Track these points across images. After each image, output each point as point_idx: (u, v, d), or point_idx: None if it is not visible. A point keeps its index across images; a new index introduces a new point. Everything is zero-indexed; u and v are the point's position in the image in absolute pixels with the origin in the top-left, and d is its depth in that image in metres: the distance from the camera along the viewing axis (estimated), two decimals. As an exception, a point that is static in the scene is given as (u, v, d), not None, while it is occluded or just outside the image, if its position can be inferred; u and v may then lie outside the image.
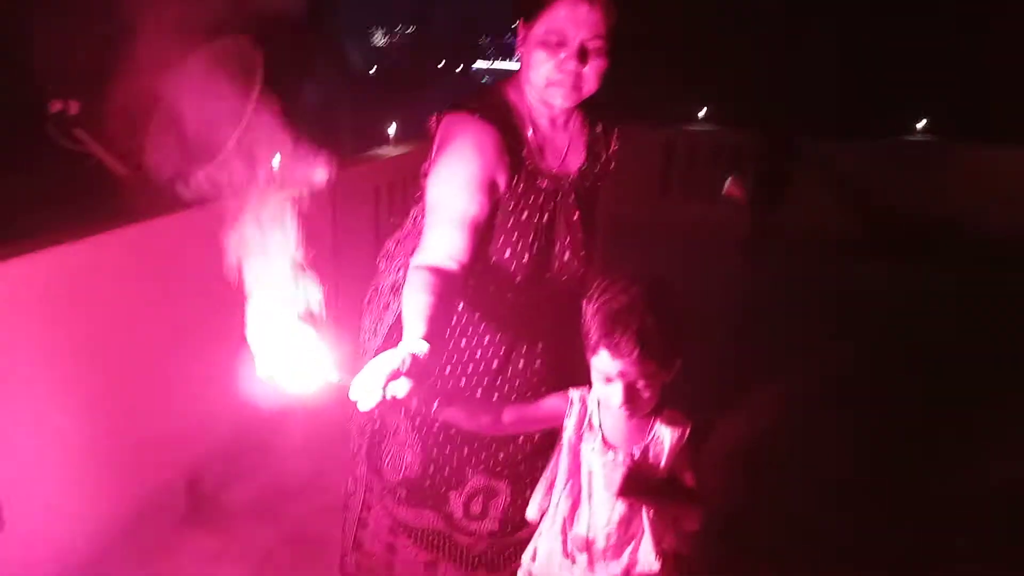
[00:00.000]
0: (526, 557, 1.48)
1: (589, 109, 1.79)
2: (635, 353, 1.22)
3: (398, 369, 1.21)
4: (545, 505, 1.46)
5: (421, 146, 1.70)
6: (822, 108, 6.57)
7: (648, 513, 1.33)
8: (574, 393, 1.40)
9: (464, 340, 1.81)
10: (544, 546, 1.45)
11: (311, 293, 1.19)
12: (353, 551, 2.14)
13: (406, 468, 1.96)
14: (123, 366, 2.40)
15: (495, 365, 1.82)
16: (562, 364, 1.78)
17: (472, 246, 1.58)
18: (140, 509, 2.46)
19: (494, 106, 1.68)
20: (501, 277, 1.73)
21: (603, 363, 1.26)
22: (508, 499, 1.97)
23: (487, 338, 1.80)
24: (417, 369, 1.23)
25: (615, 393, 1.27)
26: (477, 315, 1.79)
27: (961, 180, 6.54)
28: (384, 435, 1.99)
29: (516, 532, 1.98)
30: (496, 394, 1.77)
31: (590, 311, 1.29)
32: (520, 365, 1.83)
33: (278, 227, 1.21)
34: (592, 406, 1.37)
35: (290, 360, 1.16)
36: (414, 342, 1.29)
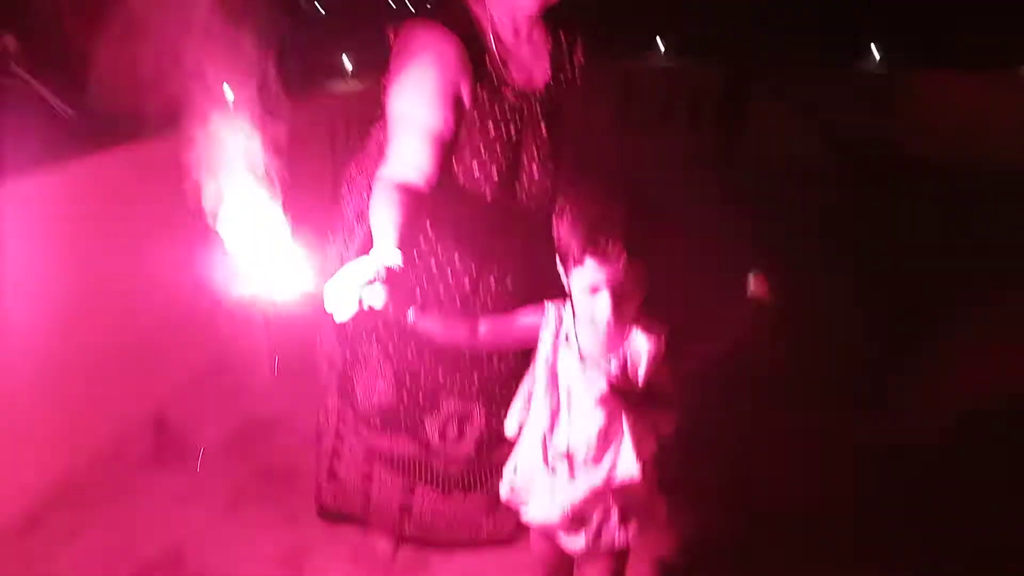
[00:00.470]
0: (507, 470, 1.48)
1: (552, 23, 1.74)
2: (623, 258, 1.20)
3: (372, 277, 1.19)
4: (523, 419, 1.45)
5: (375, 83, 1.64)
6: (779, 38, 6.53)
7: (628, 421, 1.33)
8: (550, 306, 1.38)
9: (434, 260, 1.78)
10: (524, 459, 1.44)
11: (277, 206, 1.15)
12: (328, 482, 2.14)
13: (379, 396, 1.97)
14: (83, 301, 2.33)
15: (466, 285, 1.80)
16: (532, 284, 1.77)
17: (438, 161, 1.55)
18: (105, 448, 2.42)
19: (455, 16, 1.63)
20: (471, 196, 1.70)
21: (589, 274, 1.24)
22: (483, 422, 1.98)
23: (456, 258, 1.78)
24: (392, 277, 1.21)
25: (602, 303, 1.25)
26: (447, 236, 1.76)
27: (916, 107, 6.61)
28: (355, 364, 1.98)
29: (491, 454, 1.99)
30: (467, 313, 1.75)
31: (566, 223, 1.26)
32: (491, 284, 1.81)
33: (240, 146, 1.16)
34: (568, 318, 1.36)
35: (265, 268, 1.13)
36: (386, 251, 1.26)
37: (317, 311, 1.15)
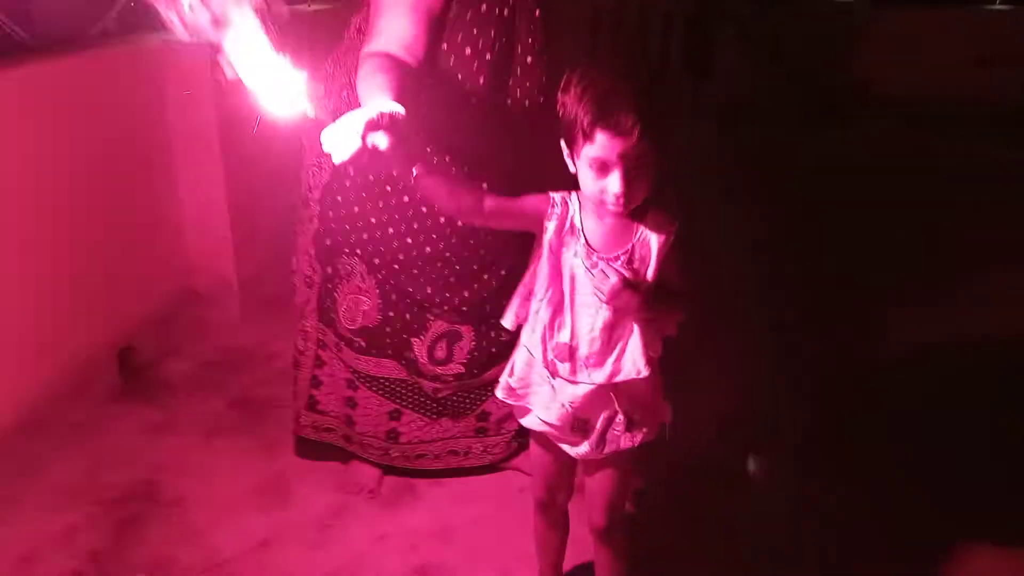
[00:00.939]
0: (504, 373, 1.41)
1: None
2: (637, 128, 1.13)
3: (376, 120, 1.09)
4: (523, 314, 1.38)
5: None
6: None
7: (636, 316, 1.27)
8: (555, 195, 1.30)
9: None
10: (522, 357, 1.37)
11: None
12: (307, 411, 2.05)
13: (363, 316, 1.89)
14: (41, 227, 2.19)
15: None
16: (527, 187, 1.68)
17: (426, 37, 1.45)
18: (69, 381, 2.29)
19: None
20: (462, 86, 1.60)
21: (600, 149, 1.17)
22: (473, 342, 1.91)
23: (448, 160, 1.68)
24: (394, 125, 1.12)
25: (614, 181, 1.18)
26: (438, 133, 1.65)
27: (881, 43, 6.63)
28: (336, 280, 1.88)
29: (482, 374, 1.93)
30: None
31: (572, 98, 1.19)
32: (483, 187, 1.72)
33: None
34: (574, 207, 1.29)
35: (266, 82, 1.04)
36: (387, 103, 1.16)
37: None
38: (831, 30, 6.77)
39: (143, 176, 2.60)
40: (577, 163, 1.23)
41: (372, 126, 1.09)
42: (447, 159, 1.67)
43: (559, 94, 1.23)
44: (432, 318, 1.88)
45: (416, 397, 1.97)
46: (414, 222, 1.75)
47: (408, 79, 1.35)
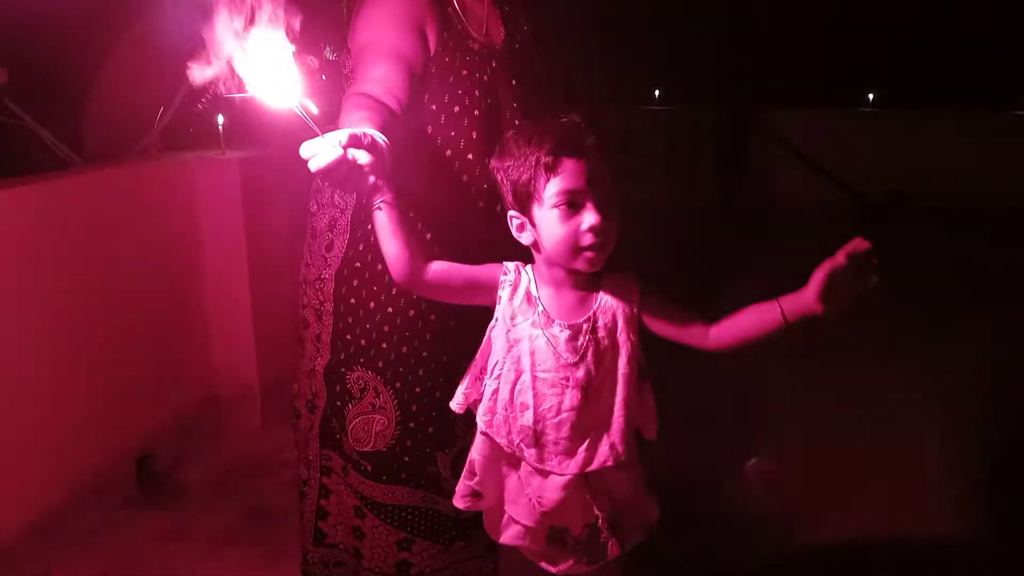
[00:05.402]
0: (464, 474, 1.33)
1: None
2: (599, 146, 1.14)
3: (359, 137, 1.10)
4: (474, 395, 1.29)
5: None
6: (776, 81, 6.61)
7: (618, 393, 1.20)
8: (509, 264, 1.26)
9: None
10: (481, 449, 1.29)
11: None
12: (315, 547, 1.90)
13: (375, 439, 1.72)
14: (70, 336, 2.27)
15: (427, 237, 1.62)
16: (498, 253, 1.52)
17: (406, 83, 1.45)
18: (87, 486, 2.31)
19: None
20: (456, 138, 1.59)
21: (568, 178, 1.14)
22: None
23: (426, 212, 1.61)
24: (376, 148, 1.12)
25: (589, 214, 1.14)
26: (419, 187, 1.59)
27: (908, 147, 6.65)
28: (345, 401, 1.74)
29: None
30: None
31: (519, 148, 1.18)
32: (456, 243, 1.59)
33: None
34: (528, 276, 1.25)
35: (262, 71, 1.03)
36: (371, 129, 1.17)
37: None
38: (867, 133, 6.82)
39: (170, 283, 2.70)
40: (539, 215, 1.18)
41: (355, 141, 1.09)
42: (440, 219, 1.62)
43: (493, 162, 1.23)
44: (460, 432, 1.72)
45: (429, 524, 1.80)
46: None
47: (390, 119, 1.34)
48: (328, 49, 3.47)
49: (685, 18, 7.05)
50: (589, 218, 1.14)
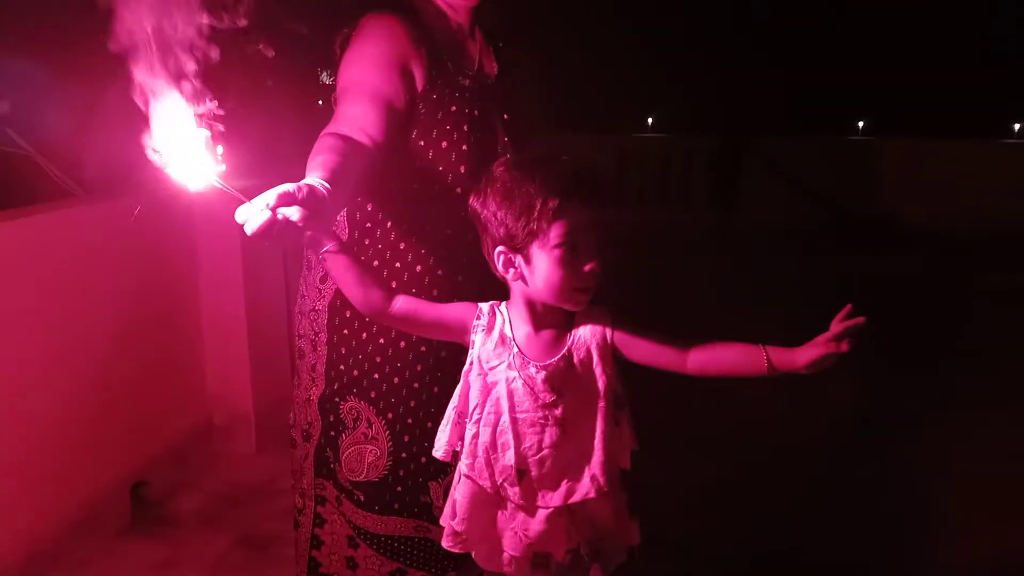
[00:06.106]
0: (444, 515, 1.34)
1: (486, 27, 1.73)
2: (602, 195, 1.16)
3: (292, 194, 1.11)
4: (455, 440, 1.30)
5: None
6: (767, 109, 6.70)
7: (597, 427, 1.22)
8: (483, 306, 1.27)
9: (384, 236, 1.66)
10: (464, 491, 1.29)
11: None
12: None
13: (368, 469, 1.73)
14: (65, 363, 2.29)
15: (416, 269, 1.65)
16: (484, 286, 1.53)
17: (384, 123, 1.46)
18: (81, 516, 2.32)
19: (402, 7, 1.62)
20: (444, 173, 1.61)
21: (573, 225, 1.15)
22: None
23: (413, 242, 1.64)
24: (313, 200, 1.12)
25: (589, 258, 1.16)
26: (422, 228, 1.64)
27: (897, 174, 6.73)
28: (339, 430, 1.75)
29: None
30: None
31: (526, 182, 1.17)
32: (440, 275, 1.65)
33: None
34: (503, 317, 1.25)
35: (182, 152, 1.06)
36: (312, 179, 1.18)
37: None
38: (848, 160, 6.90)
39: (167, 314, 2.72)
40: (537, 255, 1.18)
41: (286, 199, 1.10)
42: (414, 241, 1.65)
43: (477, 205, 1.22)
44: (452, 462, 1.63)
45: (422, 554, 1.79)
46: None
47: (357, 157, 1.36)
48: (325, 73, 3.53)
49: (681, 50, 7.18)
50: (590, 261, 1.17)
